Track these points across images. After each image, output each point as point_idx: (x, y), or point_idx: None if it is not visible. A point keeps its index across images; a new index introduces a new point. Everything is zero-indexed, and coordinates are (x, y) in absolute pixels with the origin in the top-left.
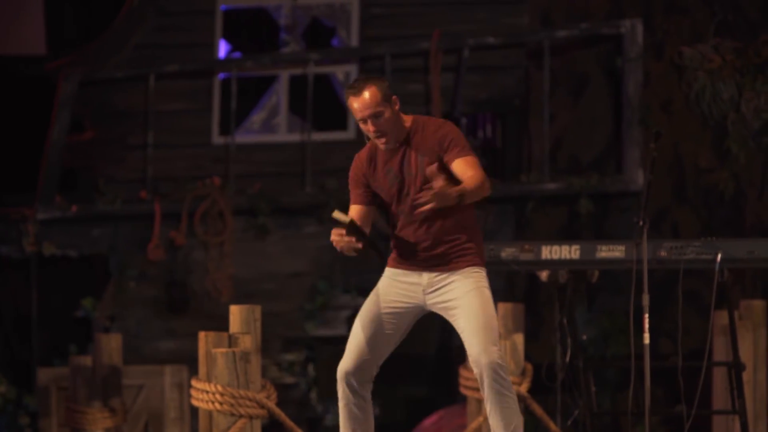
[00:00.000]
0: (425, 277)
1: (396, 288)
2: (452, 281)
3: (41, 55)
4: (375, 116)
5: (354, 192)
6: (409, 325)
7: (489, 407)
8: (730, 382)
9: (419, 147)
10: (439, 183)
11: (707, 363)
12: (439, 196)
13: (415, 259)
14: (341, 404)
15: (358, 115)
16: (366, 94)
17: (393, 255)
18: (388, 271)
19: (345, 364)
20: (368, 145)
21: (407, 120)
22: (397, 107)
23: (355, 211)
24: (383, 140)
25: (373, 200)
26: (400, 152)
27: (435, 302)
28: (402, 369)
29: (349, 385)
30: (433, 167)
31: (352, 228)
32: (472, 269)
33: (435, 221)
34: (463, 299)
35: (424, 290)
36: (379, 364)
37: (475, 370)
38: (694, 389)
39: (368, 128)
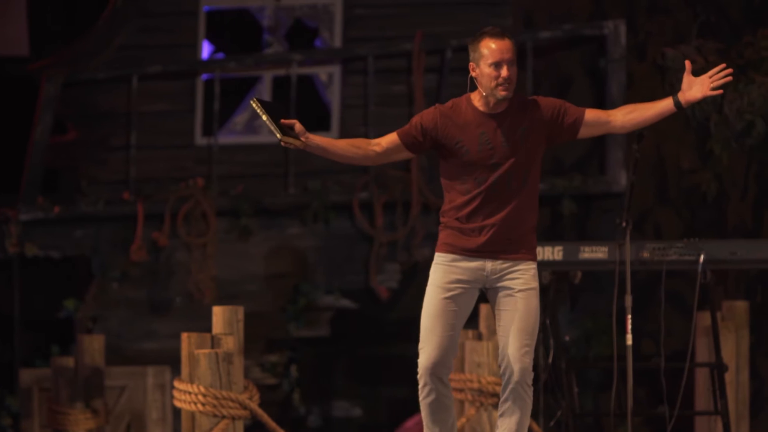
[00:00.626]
0: (489, 265)
1: (455, 274)
2: (516, 270)
3: (24, 55)
4: (512, 63)
5: (407, 129)
6: (472, 304)
7: (505, 409)
8: (713, 383)
9: (521, 122)
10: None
11: (690, 364)
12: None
13: (476, 241)
14: (430, 399)
15: (497, 57)
16: (508, 40)
17: (447, 235)
18: (443, 258)
19: (428, 360)
20: (453, 101)
21: None
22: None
23: (390, 138)
24: (508, 91)
25: (415, 148)
26: (497, 120)
27: (495, 287)
28: (384, 370)
29: (438, 379)
30: None
31: (262, 107)
32: (532, 264)
33: (516, 197)
34: (519, 295)
35: (487, 276)
36: (456, 350)
37: (502, 369)
38: (676, 390)
39: (500, 73)
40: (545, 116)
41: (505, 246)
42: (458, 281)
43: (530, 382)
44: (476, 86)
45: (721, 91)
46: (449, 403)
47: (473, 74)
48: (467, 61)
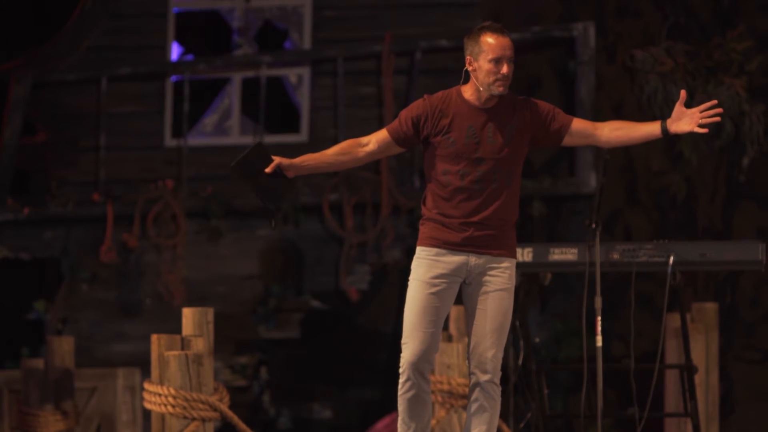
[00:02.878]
0: (472, 260)
1: (439, 269)
2: (498, 267)
3: None
4: (511, 60)
5: (396, 125)
6: (453, 298)
7: (475, 408)
8: (683, 385)
9: (508, 120)
10: None
11: (659, 365)
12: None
13: (460, 235)
14: (410, 394)
15: (498, 53)
16: (508, 37)
17: (431, 228)
18: (425, 252)
19: (412, 356)
20: (443, 92)
21: None
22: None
23: (379, 136)
24: (504, 88)
25: (406, 143)
26: (487, 115)
27: (474, 283)
28: (354, 371)
29: (420, 374)
30: None
31: (255, 154)
32: (513, 262)
33: (500, 194)
34: (495, 294)
35: (470, 271)
36: (438, 346)
37: (472, 367)
38: (646, 392)
39: (500, 69)
40: (533, 118)
41: (488, 242)
42: (442, 276)
43: (498, 381)
44: (468, 79)
45: (706, 130)
46: (428, 398)
47: (469, 68)
48: (437, 62)
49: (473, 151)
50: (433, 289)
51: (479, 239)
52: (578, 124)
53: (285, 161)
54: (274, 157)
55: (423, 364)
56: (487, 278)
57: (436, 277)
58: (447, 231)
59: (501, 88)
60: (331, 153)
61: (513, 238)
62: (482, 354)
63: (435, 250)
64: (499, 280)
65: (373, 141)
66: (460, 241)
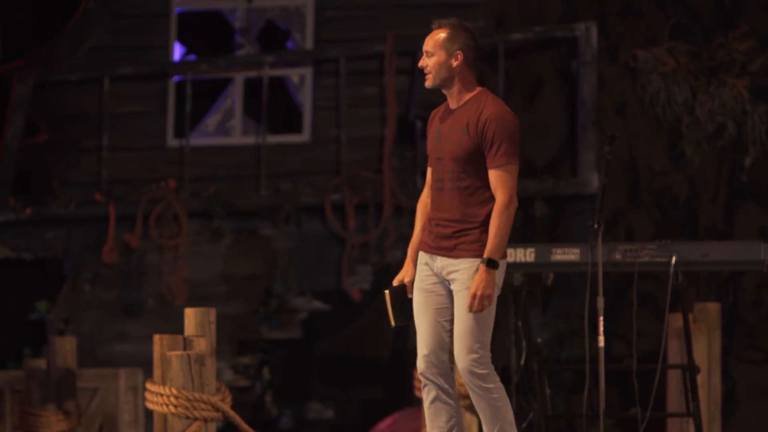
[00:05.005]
0: (438, 262)
1: (425, 271)
2: (457, 270)
3: None
4: (427, 54)
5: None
6: (447, 298)
7: (475, 404)
8: (685, 385)
9: (466, 121)
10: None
11: (662, 366)
12: (483, 298)
13: (430, 234)
14: (429, 400)
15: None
16: (434, 33)
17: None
18: (420, 257)
19: (420, 360)
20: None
21: (472, 89)
22: (457, 62)
23: (427, 172)
24: (426, 78)
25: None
26: (453, 116)
27: (447, 285)
28: (356, 372)
29: (435, 377)
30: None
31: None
32: (475, 261)
33: (458, 194)
34: (459, 295)
35: (438, 272)
36: (447, 347)
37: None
38: (648, 392)
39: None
40: (479, 133)
41: (444, 242)
42: (426, 277)
43: (480, 380)
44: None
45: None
46: (447, 406)
47: None
48: None
49: (437, 150)
50: (425, 292)
51: (438, 239)
52: (491, 175)
53: (412, 273)
54: (402, 281)
55: (432, 367)
56: (451, 279)
57: (424, 279)
58: (426, 233)
59: (426, 82)
60: (420, 221)
61: (477, 238)
62: (456, 358)
63: (422, 253)
64: (458, 282)
65: (426, 181)
66: (427, 242)
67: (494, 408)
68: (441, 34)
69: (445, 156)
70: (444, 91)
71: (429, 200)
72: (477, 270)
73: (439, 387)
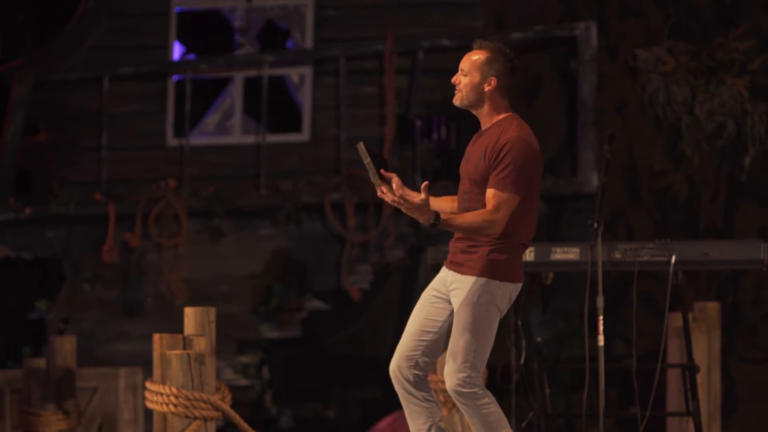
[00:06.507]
0: (450, 276)
1: (436, 283)
2: (457, 288)
3: None
4: (462, 72)
5: None
6: (444, 314)
7: (466, 417)
8: (684, 384)
9: (485, 144)
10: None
11: (661, 365)
12: (413, 206)
13: (450, 249)
14: (402, 400)
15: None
16: (473, 53)
17: None
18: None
19: (393, 358)
20: None
21: (501, 113)
22: (489, 88)
23: None
24: (455, 94)
25: None
26: (479, 137)
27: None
28: (356, 371)
29: (400, 378)
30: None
31: (368, 155)
32: (476, 279)
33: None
34: (457, 311)
35: (447, 286)
36: (428, 356)
37: None
38: (648, 391)
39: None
40: (493, 153)
41: (457, 257)
42: (439, 288)
43: (465, 399)
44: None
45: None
46: (420, 408)
47: None
48: (439, 62)
49: (463, 170)
50: (424, 300)
51: (452, 254)
52: (488, 193)
53: (412, 192)
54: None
55: (401, 370)
56: (453, 294)
57: (431, 290)
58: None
59: (455, 99)
60: (448, 199)
61: (485, 258)
62: (444, 374)
63: (443, 268)
64: (456, 299)
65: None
66: (449, 257)
67: (485, 422)
68: (479, 56)
69: (465, 176)
70: (474, 112)
71: (456, 206)
72: (477, 288)
73: (408, 392)
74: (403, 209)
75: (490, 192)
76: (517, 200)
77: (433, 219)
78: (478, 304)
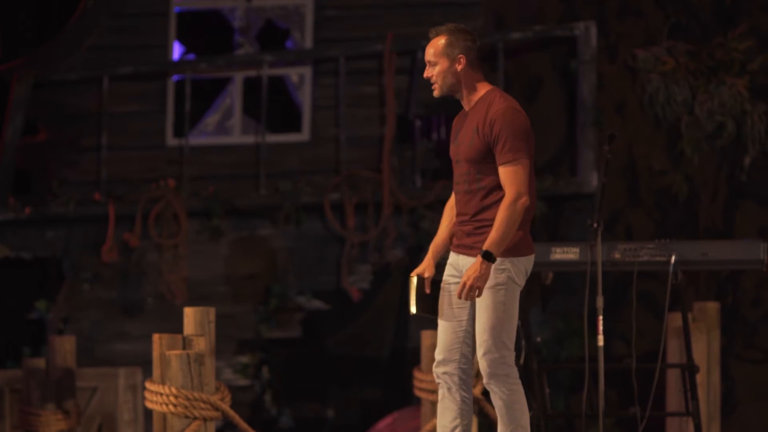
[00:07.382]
0: (461, 261)
1: (449, 271)
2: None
3: None
4: (430, 63)
5: None
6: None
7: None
8: (684, 384)
9: (476, 122)
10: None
11: (661, 365)
12: (474, 279)
13: (456, 233)
14: (440, 397)
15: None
16: (433, 41)
17: None
18: (449, 256)
19: (435, 356)
20: None
21: (482, 87)
22: (461, 66)
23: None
24: (433, 88)
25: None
26: (466, 118)
27: None
28: (356, 371)
29: (447, 376)
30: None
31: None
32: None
33: (475, 195)
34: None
35: (461, 271)
36: (467, 347)
37: None
38: (648, 391)
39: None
40: (486, 129)
41: (465, 240)
42: (453, 276)
43: (500, 383)
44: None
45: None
46: (453, 405)
47: None
48: None
49: (455, 153)
50: (446, 293)
51: (460, 239)
52: (500, 172)
53: (431, 269)
54: (421, 275)
55: (443, 365)
56: None
57: (446, 280)
58: (454, 233)
59: (434, 92)
60: (447, 222)
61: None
62: (477, 356)
63: (451, 253)
64: None
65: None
66: (455, 242)
67: (510, 410)
68: (440, 41)
69: (461, 158)
70: (456, 96)
71: (454, 202)
72: (493, 269)
73: (448, 387)
74: (479, 284)
75: (502, 171)
76: (528, 163)
77: (489, 259)
78: (497, 284)
